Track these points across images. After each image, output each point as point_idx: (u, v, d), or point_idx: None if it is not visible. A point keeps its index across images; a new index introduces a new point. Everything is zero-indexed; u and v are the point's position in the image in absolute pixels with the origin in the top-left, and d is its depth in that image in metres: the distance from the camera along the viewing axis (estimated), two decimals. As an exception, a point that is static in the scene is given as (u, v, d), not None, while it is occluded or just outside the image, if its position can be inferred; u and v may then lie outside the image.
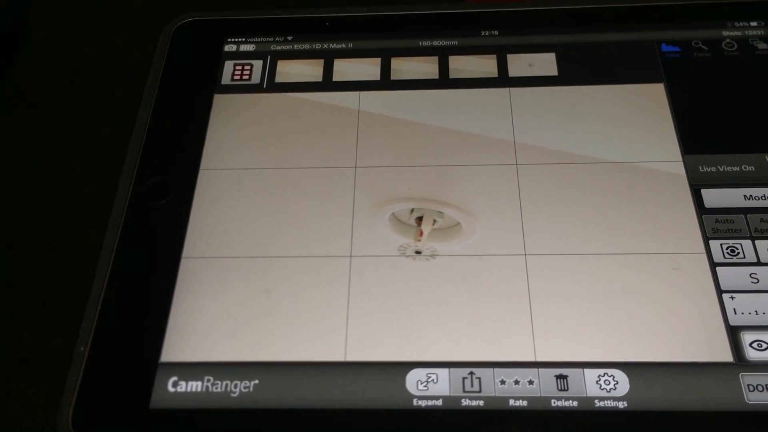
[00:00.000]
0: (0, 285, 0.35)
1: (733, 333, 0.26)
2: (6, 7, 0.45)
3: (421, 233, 0.29)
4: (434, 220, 0.29)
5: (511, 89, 0.33)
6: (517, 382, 0.25)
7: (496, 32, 0.35)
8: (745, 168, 0.29)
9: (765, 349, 0.25)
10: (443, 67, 0.34)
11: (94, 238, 0.35)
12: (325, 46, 0.35)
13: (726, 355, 0.25)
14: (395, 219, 0.29)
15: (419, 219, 0.29)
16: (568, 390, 0.25)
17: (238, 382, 0.26)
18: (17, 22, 0.45)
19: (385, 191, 0.30)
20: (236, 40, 0.35)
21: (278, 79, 0.34)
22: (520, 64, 0.34)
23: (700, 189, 0.29)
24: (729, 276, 0.27)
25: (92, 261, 0.34)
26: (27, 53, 0.44)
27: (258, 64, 0.34)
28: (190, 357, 0.26)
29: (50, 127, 0.40)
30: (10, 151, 0.39)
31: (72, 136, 0.40)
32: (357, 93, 0.33)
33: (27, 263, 0.35)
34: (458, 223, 0.29)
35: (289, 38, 0.35)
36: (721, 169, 0.29)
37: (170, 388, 0.26)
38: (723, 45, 0.33)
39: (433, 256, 0.28)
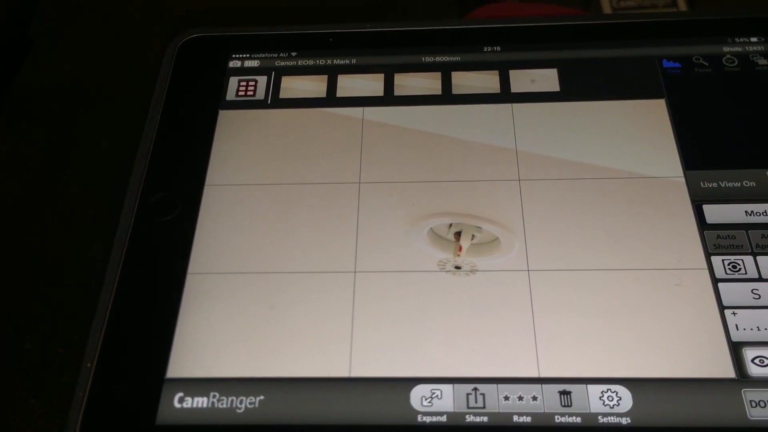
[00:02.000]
0: (1, 295, 0.35)
1: (735, 349, 0.26)
2: (9, 18, 0.45)
3: (460, 248, 0.29)
4: (473, 236, 0.29)
5: (514, 105, 0.33)
6: (520, 398, 0.25)
7: (499, 48, 0.35)
8: (746, 184, 0.30)
9: (767, 365, 0.25)
10: (446, 82, 0.34)
11: (94, 248, 0.36)
12: (329, 62, 0.35)
13: (728, 371, 0.25)
14: (434, 234, 0.29)
15: (458, 234, 0.29)
16: (571, 406, 0.25)
17: (244, 398, 0.26)
18: (20, 33, 0.45)
19: (389, 207, 0.30)
20: (241, 56, 0.36)
21: (282, 95, 0.34)
22: (522, 80, 0.34)
23: (701, 205, 0.29)
24: (731, 292, 0.27)
25: (93, 271, 0.35)
26: (29, 64, 0.44)
27: (262, 80, 0.35)
28: (196, 373, 0.26)
29: (52, 138, 0.40)
30: (12, 161, 0.39)
31: (73, 147, 0.40)
32: (361, 108, 0.33)
33: (28, 273, 0.35)
34: (497, 239, 0.29)
35: (293, 54, 0.36)
36: (723, 185, 0.30)
37: (176, 404, 0.26)
38: (723, 61, 0.34)
39: (472, 271, 0.28)
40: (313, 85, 0.34)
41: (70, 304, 0.34)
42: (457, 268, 0.28)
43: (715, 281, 0.27)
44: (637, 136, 0.32)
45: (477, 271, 0.28)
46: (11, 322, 0.34)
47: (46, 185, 0.38)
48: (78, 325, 0.33)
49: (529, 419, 0.25)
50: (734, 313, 0.27)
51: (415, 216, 0.30)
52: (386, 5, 0.45)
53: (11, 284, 0.35)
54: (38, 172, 0.39)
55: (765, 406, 0.25)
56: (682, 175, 0.30)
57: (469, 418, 0.25)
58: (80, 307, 0.34)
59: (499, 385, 0.26)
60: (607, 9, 0.48)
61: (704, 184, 0.30)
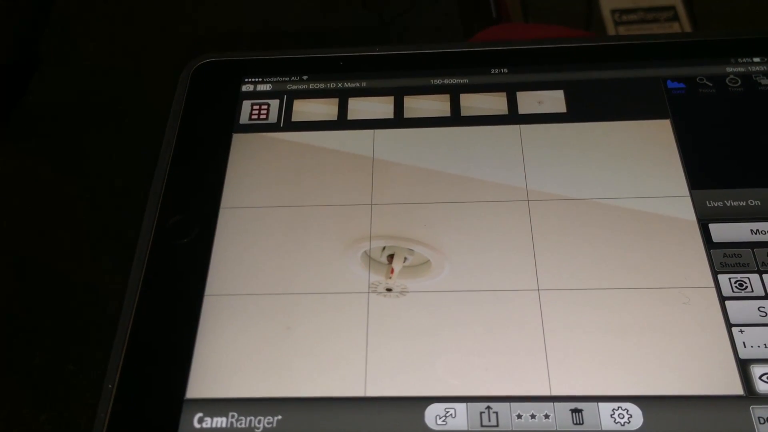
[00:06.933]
0: (12, 310, 0.35)
1: (743, 366, 0.26)
2: (18, 36, 0.46)
3: (392, 270, 0.29)
4: (405, 258, 0.30)
5: (522, 126, 0.34)
6: (533, 416, 0.26)
7: (506, 70, 0.36)
8: (752, 203, 0.30)
9: (775, 382, 0.26)
10: (455, 104, 0.35)
11: (106, 263, 0.36)
12: (340, 85, 0.36)
13: (736, 389, 0.26)
14: (367, 257, 0.30)
15: (390, 257, 0.30)
16: (583, 424, 0.26)
17: (262, 418, 0.26)
18: (29, 51, 0.46)
19: (402, 228, 0.31)
20: (253, 80, 0.36)
21: (294, 118, 0.35)
22: (529, 102, 0.34)
23: (707, 224, 0.30)
24: (738, 310, 0.28)
25: (102, 287, 0.35)
26: (38, 82, 0.45)
27: (275, 103, 0.35)
28: (215, 393, 0.27)
29: (61, 155, 0.41)
30: (23, 178, 0.40)
31: (83, 164, 0.40)
32: (371, 131, 0.34)
33: (38, 288, 0.36)
34: (428, 260, 0.30)
35: (305, 78, 0.36)
36: (728, 204, 0.30)
37: (196, 424, 0.26)
38: (727, 81, 0.34)
39: (403, 293, 0.29)
40: (324, 108, 0.35)
41: (79, 320, 0.35)
42: (389, 290, 0.29)
43: (722, 299, 0.28)
44: (644, 156, 0.32)
45: (407, 292, 0.29)
46: (21, 338, 0.34)
47: (56, 201, 0.39)
48: (87, 342, 0.34)
49: (541, 437, 0.25)
50: (741, 331, 0.27)
51: (348, 240, 0.30)
52: (391, 25, 0.46)
53: (20, 300, 0.35)
54: (47, 188, 0.40)
55: (773, 422, 0.25)
56: (688, 194, 0.31)
57: (483, 437, 0.26)
58: (90, 323, 0.34)
59: (512, 403, 0.26)
60: (609, 24, 0.49)
61: (710, 203, 0.30)
